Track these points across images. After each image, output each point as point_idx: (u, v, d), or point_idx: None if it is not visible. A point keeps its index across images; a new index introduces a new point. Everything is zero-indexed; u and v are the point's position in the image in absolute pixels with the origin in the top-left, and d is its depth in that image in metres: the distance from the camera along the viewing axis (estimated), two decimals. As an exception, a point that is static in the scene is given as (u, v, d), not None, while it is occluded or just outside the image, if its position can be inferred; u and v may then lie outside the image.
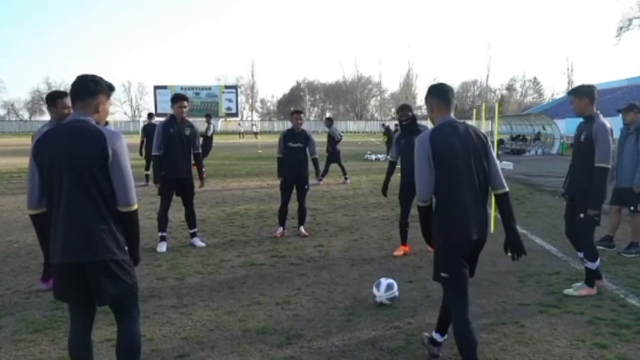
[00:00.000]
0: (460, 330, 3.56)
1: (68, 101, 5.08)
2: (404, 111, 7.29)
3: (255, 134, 62.17)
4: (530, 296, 5.47)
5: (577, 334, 4.50)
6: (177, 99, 7.55)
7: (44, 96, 5.21)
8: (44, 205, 3.17)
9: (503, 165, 20.76)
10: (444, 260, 3.65)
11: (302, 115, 8.69)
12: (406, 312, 5.04)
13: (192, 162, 7.76)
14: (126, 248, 3.23)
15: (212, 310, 5.14)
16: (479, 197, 3.62)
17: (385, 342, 4.37)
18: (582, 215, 5.35)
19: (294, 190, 8.50)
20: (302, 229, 8.59)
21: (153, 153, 7.58)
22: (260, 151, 32.23)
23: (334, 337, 4.48)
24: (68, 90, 4.98)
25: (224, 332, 4.60)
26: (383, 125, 29.95)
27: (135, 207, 3.20)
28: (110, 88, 3.31)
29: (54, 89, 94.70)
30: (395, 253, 7.30)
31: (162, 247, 7.54)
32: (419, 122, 7.49)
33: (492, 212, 8.60)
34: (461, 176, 3.56)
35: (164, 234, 7.68)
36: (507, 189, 3.73)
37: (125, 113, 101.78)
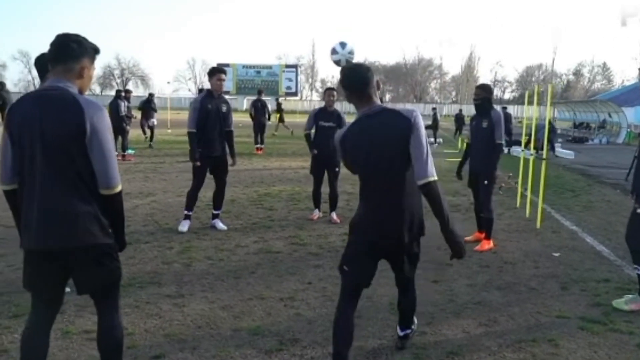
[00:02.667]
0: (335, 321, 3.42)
1: None
2: (477, 90, 6.75)
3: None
4: (571, 307, 4.73)
5: (622, 360, 3.77)
6: (216, 71, 7.01)
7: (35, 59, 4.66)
8: (17, 181, 2.78)
9: (563, 154, 19.51)
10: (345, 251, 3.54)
11: (334, 92, 8.14)
12: (422, 318, 4.40)
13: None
14: (111, 231, 2.85)
15: (208, 302, 4.69)
16: (389, 195, 3.25)
17: (390, 356, 3.79)
18: (638, 210, 4.59)
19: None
20: (333, 214, 8.04)
21: (189, 130, 7.00)
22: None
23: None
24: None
25: (213, 331, 4.13)
26: (433, 108, 28.70)
27: (118, 189, 2.78)
28: (95, 51, 2.84)
29: (123, 65, 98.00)
30: (467, 238, 6.87)
31: (184, 227, 7.18)
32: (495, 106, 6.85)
33: (540, 204, 7.79)
34: (368, 179, 3.31)
35: (190, 212, 7.30)
36: (430, 179, 3.08)
37: (189, 90, 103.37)
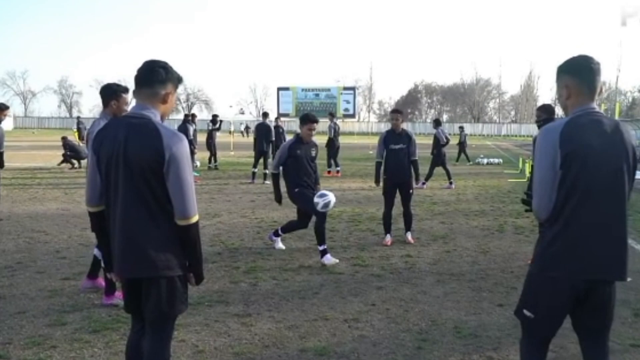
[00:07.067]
0: None
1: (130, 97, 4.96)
2: (539, 111, 6.71)
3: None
4: (646, 335, 4.58)
5: (702, 390, 3.63)
6: (308, 120, 7.05)
7: (101, 87, 5.02)
8: (104, 203, 2.91)
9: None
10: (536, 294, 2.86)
11: (399, 115, 8.17)
12: (488, 343, 4.38)
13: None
14: (185, 263, 2.89)
15: (275, 322, 4.81)
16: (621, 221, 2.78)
17: (456, 378, 3.79)
18: None
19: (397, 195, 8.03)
20: (408, 235, 8.09)
21: (272, 171, 7.25)
22: (371, 152, 31.83)
23: (398, 366, 3.97)
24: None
25: (280, 350, 4.24)
26: (460, 127, 27.64)
27: (194, 220, 2.78)
28: (179, 80, 2.94)
29: (188, 90, 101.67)
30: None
31: (278, 244, 7.51)
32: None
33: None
34: (604, 195, 2.72)
35: (281, 234, 7.53)
36: None
37: (250, 113, 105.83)
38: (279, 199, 7.23)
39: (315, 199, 6.70)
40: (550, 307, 2.77)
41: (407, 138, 7.93)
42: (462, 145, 24.89)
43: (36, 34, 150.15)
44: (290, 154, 7.02)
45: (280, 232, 7.49)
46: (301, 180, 7.01)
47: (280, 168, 7.20)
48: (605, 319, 2.84)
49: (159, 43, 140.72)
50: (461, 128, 26.65)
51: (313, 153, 7.19)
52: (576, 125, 2.68)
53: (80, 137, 19.27)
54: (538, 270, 2.80)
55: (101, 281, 5.27)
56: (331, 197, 6.74)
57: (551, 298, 2.75)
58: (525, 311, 2.83)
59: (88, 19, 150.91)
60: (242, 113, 20.64)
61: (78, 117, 25.53)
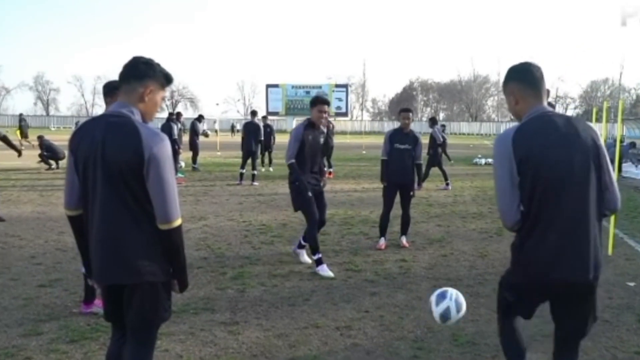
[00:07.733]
0: None
1: None
2: None
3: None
4: (651, 342, 4.38)
5: None
6: (317, 101, 6.38)
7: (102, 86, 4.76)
8: (82, 206, 2.73)
9: (632, 174, 18.69)
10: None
11: (410, 114, 7.78)
12: (487, 352, 4.19)
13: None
14: (168, 269, 2.72)
15: (263, 330, 4.58)
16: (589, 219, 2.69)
17: (454, 391, 3.57)
18: None
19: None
20: (403, 239, 7.87)
21: (291, 161, 6.33)
22: (364, 152, 31.70)
23: (392, 378, 3.75)
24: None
25: (268, 360, 4.01)
26: (442, 125, 26.27)
27: (177, 224, 2.63)
28: (167, 79, 2.76)
29: (172, 87, 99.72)
30: None
31: (303, 256, 6.86)
32: None
33: (611, 230, 7.37)
34: (564, 192, 2.66)
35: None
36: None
37: (238, 111, 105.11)
38: (305, 188, 6.29)
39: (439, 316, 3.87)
40: (524, 308, 2.99)
41: (413, 139, 7.65)
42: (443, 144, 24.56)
43: (36, 34, 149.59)
44: (304, 139, 6.37)
45: (302, 241, 6.89)
46: (305, 171, 6.42)
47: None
48: (577, 324, 2.88)
49: (140, 40, 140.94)
50: (443, 126, 26.30)
51: (322, 140, 6.64)
52: (527, 128, 2.71)
53: (23, 136, 18.51)
54: (513, 276, 2.93)
55: (98, 302, 4.90)
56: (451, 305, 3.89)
57: (525, 300, 2.93)
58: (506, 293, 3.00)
59: (88, 19, 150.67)
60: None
61: (20, 115, 24.89)
